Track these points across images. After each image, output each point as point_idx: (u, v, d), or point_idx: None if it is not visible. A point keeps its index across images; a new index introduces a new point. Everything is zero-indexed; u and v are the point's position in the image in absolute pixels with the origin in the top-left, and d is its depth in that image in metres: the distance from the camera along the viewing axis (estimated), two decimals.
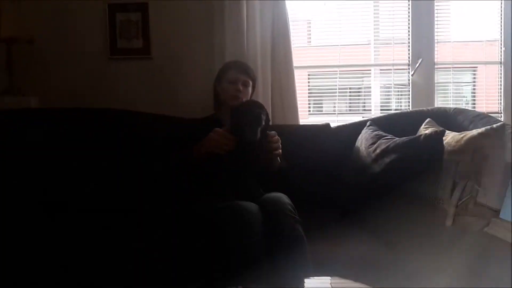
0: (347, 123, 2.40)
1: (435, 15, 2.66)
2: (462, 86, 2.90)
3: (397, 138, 1.88)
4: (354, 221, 1.83)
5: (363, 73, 2.95)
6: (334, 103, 2.88)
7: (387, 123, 2.18)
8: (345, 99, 2.82)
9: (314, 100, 2.94)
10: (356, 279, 1.52)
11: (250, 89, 2.10)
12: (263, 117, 1.70)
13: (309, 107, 2.92)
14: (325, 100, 2.96)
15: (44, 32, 2.55)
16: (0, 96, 2.36)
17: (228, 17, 2.43)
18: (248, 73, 2.09)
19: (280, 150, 1.78)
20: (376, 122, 2.18)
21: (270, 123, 1.85)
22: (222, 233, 1.50)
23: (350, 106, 2.83)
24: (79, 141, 2.10)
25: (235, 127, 1.71)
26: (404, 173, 1.75)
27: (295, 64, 2.52)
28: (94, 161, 2.05)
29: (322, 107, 2.98)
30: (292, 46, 2.51)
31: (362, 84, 2.95)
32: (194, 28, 2.59)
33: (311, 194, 2.08)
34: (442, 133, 1.77)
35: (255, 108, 1.71)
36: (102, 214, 1.81)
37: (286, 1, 2.48)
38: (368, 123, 2.18)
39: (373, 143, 1.97)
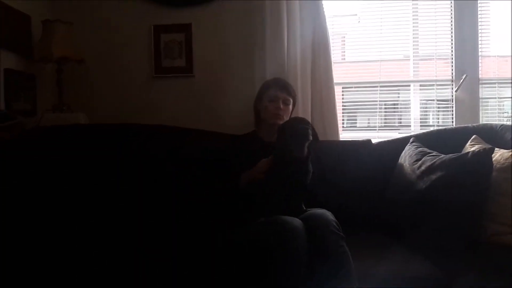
0: (389, 139, 2.38)
1: (479, 29, 2.63)
2: (503, 101, 2.82)
3: (443, 155, 1.86)
4: (399, 239, 1.82)
5: (399, 88, 2.92)
6: (369, 119, 2.87)
7: (431, 140, 2.15)
8: (381, 114, 2.80)
9: (348, 115, 2.93)
10: None
11: (290, 106, 2.13)
12: (310, 132, 1.71)
13: (343, 122, 2.91)
14: (360, 115, 2.95)
15: (94, 52, 2.69)
16: (51, 113, 2.49)
17: (269, 35, 2.48)
18: (288, 90, 2.12)
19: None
20: (420, 139, 2.16)
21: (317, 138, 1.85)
22: (264, 249, 1.50)
23: (385, 122, 2.81)
24: (127, 155, 2.16)
25: (283, 145, 1.73)
26: (451, 191, 1.72)
27: None
28: (142, 174, 2.11)
29: (356, 122, 2.97)
30: (332, 61, 2.53)
31: (399, 99, 2.93)
32: (235, 46, 2.66)
33: (353, 211, 2.08)
34: (491, 151, 1.73)
35: (301, 124, 1.72)
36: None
37: (326, 17, 2.51)
38: (411, 140, 2.16)
39: (418, 160, 1.94)
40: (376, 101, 2.78)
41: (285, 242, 1.45)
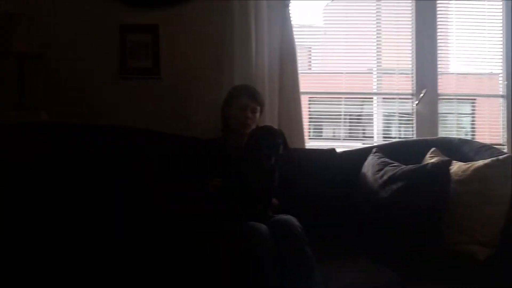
0: (352, 149, 2.44)
1: (438, 46, 2.74)
2: (461, 117, 2.96)
3: (404, 166, 1.92)
4: (362, 245, 1.86)
5: (363, 100, 3.01)
6: (334, 129, 2.92)
7: (393, 151, 2.21)
8: (346, 126, 2.87)
9: (314, 125, 2.97)
10: None
11: (258, 114, 2.15)
12: (280, 146, 1.73)
13: (309, 132, 2.95)
14: (325, 125, 3.01)
15: (57, 48, 2.58)
16: (11, 111, 2.37)
17: (237, 40, 2.48)
18: (257, 99, 2.14)
19: None
20: (382, 149, 2.22)
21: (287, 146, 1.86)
22: (229, 254, 1.50)
23: (350, 133, 2.88)
24: (81, 156, 2.09)
25: (251, 154, 1.74)
26: (411, 199, 1.78)
27: None
28: (98, 177, 2.05)
29: (322, 132, 3.02)
30: (299, 73, 2.56)
31: (362, 111, 3.00)
32: (203, 49, 2.63)
33: (318, 217, 2.10)
34: (448, 163, 1.82)
35: (271, 137, 1.75)
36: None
37: (293, 27, 2.54)
38: (374, 150, 2.21)
39: (380, 170, 2.00)
40: (341, 112, 2.84)
41: (252, 247, 1.45)
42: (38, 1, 2.57)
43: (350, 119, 2.89)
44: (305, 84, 2.70)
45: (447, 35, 2.84)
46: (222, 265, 1.49)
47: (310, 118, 2.91)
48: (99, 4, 2.62)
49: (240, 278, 1.43)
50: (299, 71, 2.57)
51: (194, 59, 2.64)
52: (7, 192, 1.84)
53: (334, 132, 2.95)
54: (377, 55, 2.85)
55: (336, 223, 2.05)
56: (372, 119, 2.89)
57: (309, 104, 2.95)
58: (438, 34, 2.74)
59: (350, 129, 2.87)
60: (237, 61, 2.48)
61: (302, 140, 2.52)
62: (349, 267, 1.68)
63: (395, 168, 1.94)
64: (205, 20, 2.62)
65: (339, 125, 2.86)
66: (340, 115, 2.85)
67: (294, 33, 2.56)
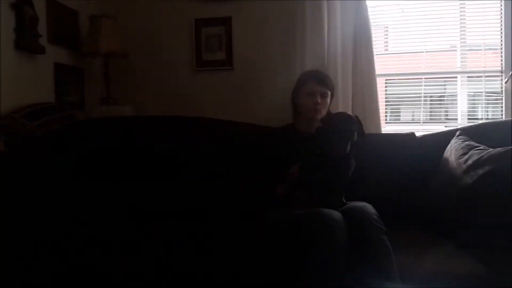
0: (433, 132, 2.30)
1: None
2: None
3: (491, 149, 1.78)
4: (443, 234, 1.77)
5: (445, 80, 2.82)
6: (413, 112, 2.78)
7: (479, 133, 2.05)
8: (426, 108, 2.71)
9: (391, 109, 2.85)
10: None
11: (328, 99, 2.10)
12: (355, 134, 1.69)
13: (386, 116, 2.84)
14: (404, 108, 2.87)
15: (138, 47, 2.77)
16: (99, 105, 2.59)
17: (310, 27, 2.46)
18: (326, 83, 2.08)
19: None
20: (467, 132, 2.07)
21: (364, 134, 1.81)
22: (302, 241, 1.50)
23: (431, 115, 2.72)
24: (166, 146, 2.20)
25: (325, 142, 1.72)
26: (499, 186, 1.65)
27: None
28: (183, 164, 2.14)
29: (400, 115, 2.89)
30: (374, 55, 2.47)
31: (445, 92, 2.82)
32: (274, 39, 2.66)
33: (395, 204, 2.04)
34: None
35: (346, 125, 1.70)
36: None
37: (368, 7, 2.46)
38: (457, 133, 2.07)
39: (464, 154, 1.87)
40: (420, 94, 2.70)
41: (325, 234, 1.44)
42: (119, 3, 2.76)
43: (431, 100, 2.73)
44: (381, 65, 2.60)
45: None
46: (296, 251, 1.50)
47: (386, 100, 2.79)
48: (174, 0, 2.75)
49: (314, 265, 1.43)
50: (375, 53, 2.48)
51: (266, 49, 2.67)
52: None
53: (413, 115, 2.81)
54: (461, 30, 2.65)
55: (415, 212, 1.97)
56: (455, 100, 2.71)
57: (386, 86, 2.84)
58: None
59: (431, 112, 2.72)
60: (309, 49, 2.46)
61: (378, 125, 2.43)
62: (429, 256, 1.61)
63: (481, 151, 1.80)
64: (277, 10, 2.63)
65: (419, 108, 2.72)
66: (420, 96, 2.70)
67: (369, 12, 2.47)
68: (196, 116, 2.38)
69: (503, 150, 1.71)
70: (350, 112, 2.39)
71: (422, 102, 2.69)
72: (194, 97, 2.73)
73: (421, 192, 2.02)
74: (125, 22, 2.71)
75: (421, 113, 2.71)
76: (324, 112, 2.06)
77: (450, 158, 1.95)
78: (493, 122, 2.27)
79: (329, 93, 2.09)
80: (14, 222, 1.64)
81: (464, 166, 1.81)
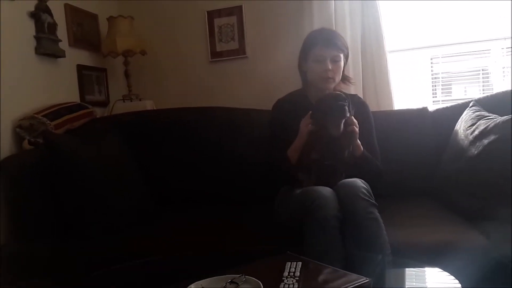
0: (448, 105, 2.21)
1: None
2: None
3: (498, 118, 1.69)
4: (449, 207, 1.72)
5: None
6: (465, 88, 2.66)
7: (494, 103, 1.94)
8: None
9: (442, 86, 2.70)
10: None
11: (341, 63, 1.81)
12: (346, 109, 1.61)
13: (434, 94, 2.69)
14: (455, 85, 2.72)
15: (155, 43, 2.89)
16: (122, 102, 2.74)
17: (317, 13, 2.46)
18: (337, 45, 1.79)
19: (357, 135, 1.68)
20: (481, 103, 1.97)
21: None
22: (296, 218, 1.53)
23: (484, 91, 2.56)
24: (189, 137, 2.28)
25: (318, 122, 1.69)
26: (504, 156, 1.56)
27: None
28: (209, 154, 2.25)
29: (451, 93, 2.73)
30: (383, 30, 2.42)
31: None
32: (285, 25, 2.66)
33: (406, 183, 2.01)
34: None
35: (337, 101, 1.62)
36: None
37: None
38: (471, 104, 1.98)
39: (473, 124, 1.79)
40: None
41: (313, 211, 1.45)
42: (136, 3, 2.90)
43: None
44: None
45: None
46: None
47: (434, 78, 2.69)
48: None
49: (304, 241, 1.45)
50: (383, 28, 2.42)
51: (278, 36, 2.68)
52: None
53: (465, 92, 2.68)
54: None
55: (425, 186, 1.96)
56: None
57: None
58: None
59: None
60: (316, 15, 2.45)
61: (390, 101, 2.37)
62: (432, 229, 1.57)
63: (488, 121, 1.71)
64: None
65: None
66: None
67: None
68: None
69: (507, 117, 1.63)
70: (361, 88, 2.37)
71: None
72: (210, 88, 2.81)
73: (433, 166, 1.97)
74: (141, 21, 2.83)
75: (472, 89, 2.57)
76: (338, 79, 1.82)
77: (459, 130, 1.88)
78: (509, 91, 2.12)
79: (342, 56, 1.81)
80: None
81: (471, 137, 1.75)
